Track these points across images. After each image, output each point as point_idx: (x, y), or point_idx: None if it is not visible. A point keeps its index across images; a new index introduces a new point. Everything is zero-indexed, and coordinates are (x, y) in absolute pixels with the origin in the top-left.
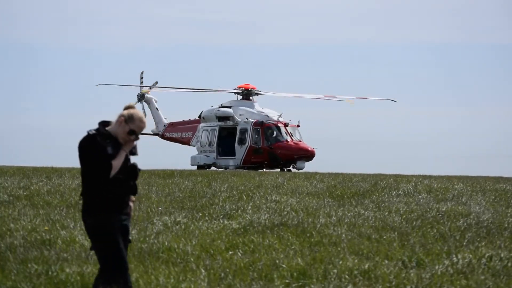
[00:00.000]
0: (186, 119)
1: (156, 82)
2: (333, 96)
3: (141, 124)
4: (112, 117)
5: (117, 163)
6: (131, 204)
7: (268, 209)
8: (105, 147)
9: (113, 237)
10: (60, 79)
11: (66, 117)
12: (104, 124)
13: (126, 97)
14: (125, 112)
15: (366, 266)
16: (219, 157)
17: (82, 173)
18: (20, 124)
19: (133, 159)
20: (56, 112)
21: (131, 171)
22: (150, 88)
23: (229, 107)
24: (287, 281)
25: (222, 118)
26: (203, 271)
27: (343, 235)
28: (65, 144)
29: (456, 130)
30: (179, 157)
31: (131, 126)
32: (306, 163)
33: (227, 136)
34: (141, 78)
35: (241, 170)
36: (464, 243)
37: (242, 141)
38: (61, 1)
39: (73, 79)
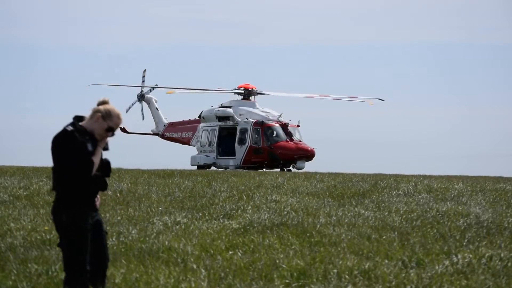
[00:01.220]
0: (186, 119)
1: (156, 85)
2: (340, 98)
3: (118, 120)
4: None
5: (96, 160)
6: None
7: (268, 209)
8: (85, 144)
9: (84, 234)
10: (60, 79)
11: (66, 117)
12: (78, 119)
13: (126, 97)
14: (102, 108)
15: (366, 266)
16: (219, 157)
17: (55, 168)
18: (20, 124)
19: (104, 154)
20: (56, 112)
21: (106, 167)
22: (150, 91)
23: (229, 107)
24: (287, 281)
25: (222, 118)
26: (203, 271)
27: (343, 235)
28: None
29: (456, 130)
30: (179, 157)
31: (109, 123)
32: (306, 163)
33: (227, 136)
34: (143, 76)
35: (241, 170)
36: (464, 243)
37: (242, 141)
38: (61, 1)
39: (73, 79)
